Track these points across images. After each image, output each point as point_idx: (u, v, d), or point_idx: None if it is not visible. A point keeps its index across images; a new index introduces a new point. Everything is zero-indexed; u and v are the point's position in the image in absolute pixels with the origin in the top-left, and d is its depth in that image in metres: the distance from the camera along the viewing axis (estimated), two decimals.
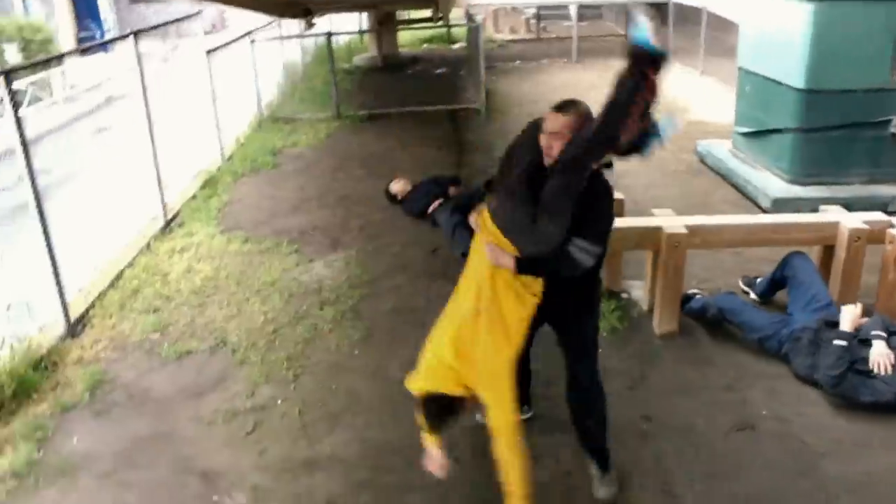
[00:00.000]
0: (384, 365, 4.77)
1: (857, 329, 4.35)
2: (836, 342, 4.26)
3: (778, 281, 5.20)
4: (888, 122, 7.04)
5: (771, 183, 7.35)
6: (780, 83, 7.34)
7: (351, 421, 4.25)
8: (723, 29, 13.50)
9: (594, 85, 13.48)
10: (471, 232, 6.49)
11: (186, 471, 3.93)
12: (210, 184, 8.49)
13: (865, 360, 4.20)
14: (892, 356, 4.18)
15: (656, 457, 3.88)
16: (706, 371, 4.63)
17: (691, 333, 5.05)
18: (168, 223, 7.38)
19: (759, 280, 5.43)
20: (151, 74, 7.70)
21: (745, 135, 8.15)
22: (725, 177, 8.17)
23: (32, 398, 4.67)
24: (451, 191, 7.20)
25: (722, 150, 8.54)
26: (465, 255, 6.24)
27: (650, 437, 4.00)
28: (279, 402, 4.45)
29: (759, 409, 4.27)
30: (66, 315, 5.45)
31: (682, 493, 3.66)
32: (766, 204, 7.07)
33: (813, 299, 4.78)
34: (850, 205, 5.41)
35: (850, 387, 4.16)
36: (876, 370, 4.15)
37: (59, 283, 5.36)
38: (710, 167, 8.60)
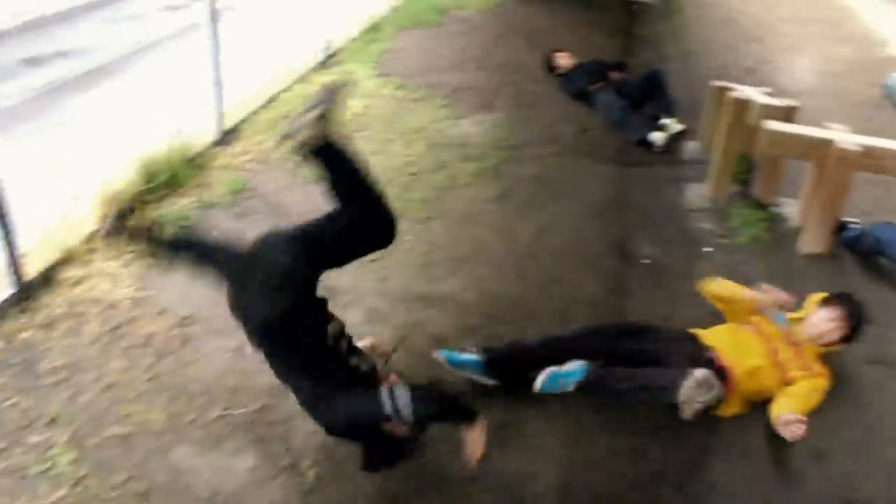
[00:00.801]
0: (515, 226, 4.74)
1: None
2: None
3: None
4: None
5: None
6: None
7: (473, 269, 4.26)
8: None
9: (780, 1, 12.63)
10: (642, 118, 6.30)
11: None
12: (373, 30, 8.49)
13: None
14: None
15: None
16: None
17: (839, 260, 4.76)
18: (327, 59, 7.45)
19: None
20: None
21: None
22: None
23: (179, 192, 4.89)
24: (613, 75, 6.94)
25: None
26: (640, 142, 6.09)
27: None
28: (407, 238, 4.49)
29: None
30: (220, 124, 5.63)
31: None
32: None
33: None
34: None
35: None
36: None
37: (219, 93, 5.52)
38: None
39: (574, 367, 3.23)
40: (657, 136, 6.18)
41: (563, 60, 7.31)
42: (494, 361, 3.39)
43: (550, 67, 7.34)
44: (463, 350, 3.46)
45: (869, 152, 4.61)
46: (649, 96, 6.56)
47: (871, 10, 12.67)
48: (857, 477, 3.19)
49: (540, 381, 3.21)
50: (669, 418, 3.35)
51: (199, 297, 3.89)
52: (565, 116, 6.54)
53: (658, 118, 6.39)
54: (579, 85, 6.92)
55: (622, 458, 3.18)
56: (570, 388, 3.21)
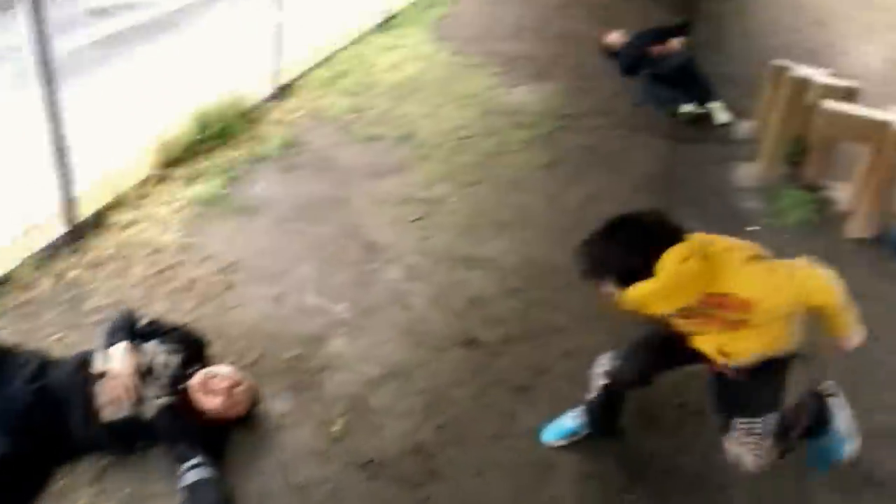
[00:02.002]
0: (562, 193, 4.71)
1: None
2: None
3: None
4: None
5: None
6: None
7: (517, 234, 4.25)
8: None
9: None
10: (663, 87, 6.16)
11: (352, 237, 4.08)
12: None
13: None
14: None
15: None
16: (891, 285, 4.27)
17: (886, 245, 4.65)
18: (385, 22, 7.44)
19: None
20: None
21: None
22: None
23: (231, 143, 4.94)
24: (653, 49, 6.66)
25: None
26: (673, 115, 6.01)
27: None
28: (452, 199, 4.50)
29: None
30: (276, 80, 5.67)
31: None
32: None
33: None
34: None
35: None
36: None
37: (277, 50, 5.56)
38: None
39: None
40: (684, 109, 6.07)
41: (613, 38, 7.15)
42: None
43: (603, 49, 7.17)
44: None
45: None
46: (682, 84, 6.37)
47: None
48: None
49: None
50: None
51: (244, 245, 3.95)
52: (622, 89, 6.45)
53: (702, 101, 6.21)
54: (627, 63, 6.76)
55: None
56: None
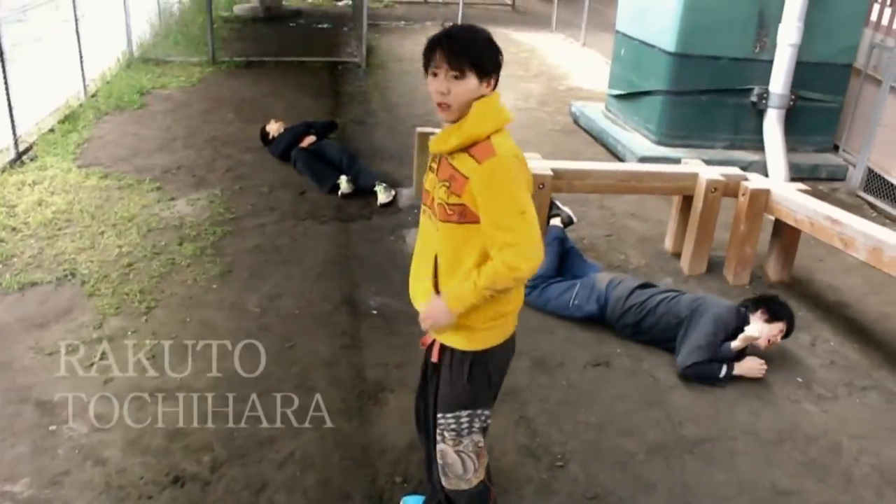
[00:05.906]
0: (242, 299, 4.65)
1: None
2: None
3: None
4: (749, 90, 7.33)
5: (638, 142, 7.55)
6: (652, 46, 7.53)
7: (204, 352, 4.11)
8: (605, 2, 13.80)
9: None
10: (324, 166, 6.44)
11: (22, 401, 3.70)
12: (70, 119, 8.02)
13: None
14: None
15: (512, 387, 3.92)
16: (554, 319, 4.70)
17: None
18: (19, 156, 6.93)
19: None
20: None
21: (617, 97, 8.33)
22: (597, 137, 8.34)
23: None
24: (305, 139, 7.00)
25: (595, 111, 8.72)
26: (331, 190, 6.24)
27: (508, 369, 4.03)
28: (129, 333, 4.26)
29: (615, 348, 4.39)
30: None
31: (536, 418, 3.74)
32: (632, 161, 7.27)
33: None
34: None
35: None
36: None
37: None
38: (583, 128, 8.76)
39: None
40: (342, 183, 6.34)
41: (273, 126, 7.34)
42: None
43: (264, 137, 7.34)
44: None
45: (559, 174, 5.03)
46: (336, 161, 6.69)
47: (553, 50, 13.97)
48: (598, 473, 3.42)
49: None
50: None
51: None
52: (282, 182, 6.55)
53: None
54: (281, 148, 6.99)
55: None
56: None
